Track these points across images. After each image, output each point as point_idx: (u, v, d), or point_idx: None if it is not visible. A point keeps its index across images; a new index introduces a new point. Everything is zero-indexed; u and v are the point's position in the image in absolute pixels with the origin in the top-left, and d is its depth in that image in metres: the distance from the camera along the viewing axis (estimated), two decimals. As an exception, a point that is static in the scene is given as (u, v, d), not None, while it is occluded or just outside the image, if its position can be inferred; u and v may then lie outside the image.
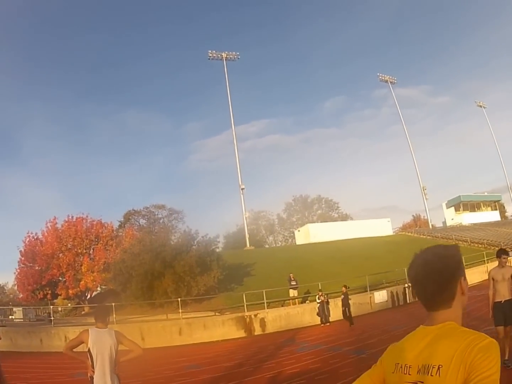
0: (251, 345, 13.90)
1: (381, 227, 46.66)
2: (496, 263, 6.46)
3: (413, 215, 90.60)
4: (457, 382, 1.15)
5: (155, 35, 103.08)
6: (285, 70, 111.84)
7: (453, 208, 70.33)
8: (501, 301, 6.04)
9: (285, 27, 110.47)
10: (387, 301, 20.62)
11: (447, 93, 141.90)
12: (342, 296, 17.29)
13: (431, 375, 1.20)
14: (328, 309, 17.58)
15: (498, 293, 6.12)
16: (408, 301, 20.60)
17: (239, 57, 52.37)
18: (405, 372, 1.28)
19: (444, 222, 70.71)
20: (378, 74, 63.77)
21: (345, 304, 16.90)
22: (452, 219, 67.74)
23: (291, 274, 20.58)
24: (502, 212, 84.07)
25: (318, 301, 17.78)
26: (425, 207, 65.79)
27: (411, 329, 1.38)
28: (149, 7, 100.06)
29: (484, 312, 10.72)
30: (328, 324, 17.26)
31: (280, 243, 71.26)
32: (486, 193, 77.41)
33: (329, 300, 17.97)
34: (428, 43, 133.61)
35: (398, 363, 1.31)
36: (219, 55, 50.98)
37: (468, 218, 64.27)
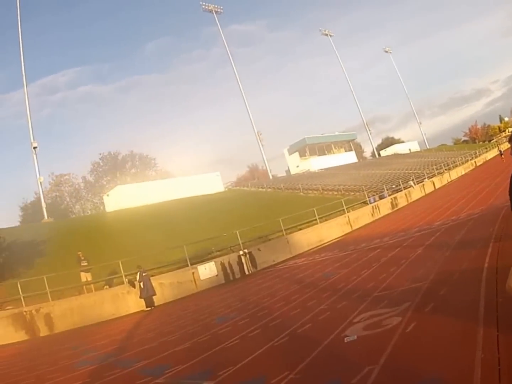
0: (28, 354, 9.83)
1: (209, 184, 39.76)
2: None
3: (248, 166, 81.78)
4: None
5: None
6: (92, 9, 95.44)
7: (297, 153, 60.23)
8: None
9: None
10: (217, 275, 16.08)
11: (287, 26, 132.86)
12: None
13: None
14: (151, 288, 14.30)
15: None
16: (247, 272, 16.41)
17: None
18: None
19: (288, 171, 60.97)
20: (201, 3, 55.81)
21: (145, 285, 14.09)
22: (298, 166, 58.47)
23: (79, 253, 15.90)
24: (359, 152, 74.78)
25: (138, 279, 14.35)
26: (263, 156, 54.33)
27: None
28: None
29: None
30: (151, 308, 14.04)
31: (90, 211, 60.40)
32: (337, 133, 67.47)
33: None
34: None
35: None
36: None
37: (317, 163, 55.72)
